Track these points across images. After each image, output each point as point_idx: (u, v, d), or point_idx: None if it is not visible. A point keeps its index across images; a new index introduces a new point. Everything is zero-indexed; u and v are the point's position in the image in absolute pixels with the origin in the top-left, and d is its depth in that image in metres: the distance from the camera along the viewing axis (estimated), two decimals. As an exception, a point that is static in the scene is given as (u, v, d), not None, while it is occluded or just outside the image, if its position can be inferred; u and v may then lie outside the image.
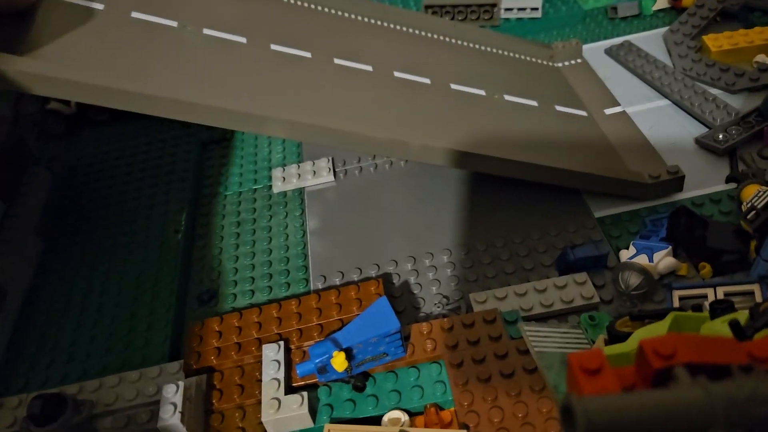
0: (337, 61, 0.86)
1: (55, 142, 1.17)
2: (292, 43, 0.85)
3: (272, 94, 0.75)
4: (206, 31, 0.81)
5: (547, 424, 0.61)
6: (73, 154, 1.12)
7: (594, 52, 1.12)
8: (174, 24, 0.80)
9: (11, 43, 0.69)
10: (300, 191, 0.98)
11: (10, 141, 0.94)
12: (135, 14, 0.79)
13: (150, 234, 0.94)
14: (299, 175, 1.00)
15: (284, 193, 0.98)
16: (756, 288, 0.66)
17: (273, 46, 0.83)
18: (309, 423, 0.67)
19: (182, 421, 0.64)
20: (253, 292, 0.85)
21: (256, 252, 0.90)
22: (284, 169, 1.01)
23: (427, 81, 0.89)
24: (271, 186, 1.00)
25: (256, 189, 1.00)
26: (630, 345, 0.58)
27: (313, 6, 0.98)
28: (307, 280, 0.85)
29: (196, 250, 0.92)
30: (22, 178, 0.97)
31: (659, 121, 0.96)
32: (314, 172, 0.99)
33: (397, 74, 0.88)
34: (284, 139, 1.08)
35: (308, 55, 0.85)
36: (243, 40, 0.82)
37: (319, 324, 0.75)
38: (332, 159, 1.01)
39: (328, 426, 0.65)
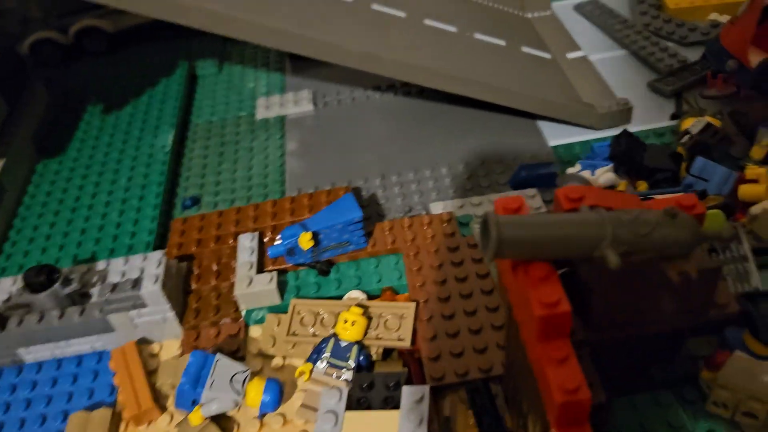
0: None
1: (51, 70, 1.23)
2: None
3: (257, 3, 0.83)
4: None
5: (488, 299, 0.69)
6: (69, 80, 1.18)
7: (563, 7, 1.20)
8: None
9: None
10: (281, 118, 1.05)
11: (12, 53, 1.00)
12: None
13: (141, 149, 1.01)
14: (281, 104, 1.07)
15: (266, 120, 1.05)
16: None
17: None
18: (277, 299, 0.74)
19: (163, 288, 0.71)
20: (233, 200, 0.92)
21: (237, 168, 0.97)
22: (268, 99, 1.08)
23: (402, 14, 0.96)
24: (254, 114, 1.07)
25: (240, 116, 1.08)
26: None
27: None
28: (283, 192, 0.92)
29: (182, 165, 0.99)
30: (21, 92, 1.03)
31: (618, 67, 1.04)
32: (295, 102, 1.07)
33: (374, 7, 0.95)
34: (269, 73, 1.16)
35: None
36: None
37: (291, 221, 0.82)
38: (313, 92, 1.08)
39: (294, 301, 0.73)
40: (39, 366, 0.76)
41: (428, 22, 0.97)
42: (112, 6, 0.78)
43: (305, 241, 0.72)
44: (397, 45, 0.89)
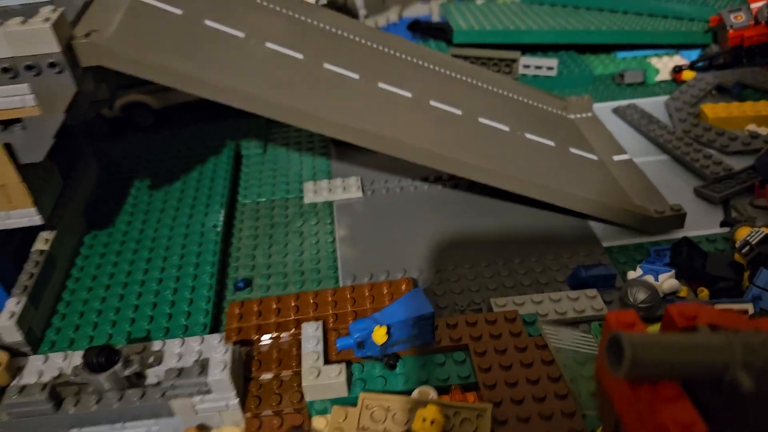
0: (381, 85, 0.95)
1: (98, 143, 1.24)
2: (343, 65, 0.95)
3: (327, 99, 0.84)
4: (268, 44, 0.91)
5: (563, 404, 0.68)
6: (116, 153, 1.19)
7: (602, 110, 1.24)
8: (241, 35, 0.90)
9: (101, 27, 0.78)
10: (330, 203, 1.06)
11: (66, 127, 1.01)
12: (208, 22, 0.89)
13: (191, 227, 1.00)
14: (330, 189, 1.08)
15: (315, 204, 1.06)
16: (749, 306, 0.75)
17: (326, 65, 0.93)
18: (344, 392, 0.73)
19: (231, 377, 0.70)
20: (286, 284, 0.91)
21: (288, 251, 0.97)
22: (315, 184, 1.09)
23: (458, 112, 0.99)
24: (302, 197, 1.08)
25: (288, 198, 1.08)
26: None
27: (360, 39, 1.09)
28: (337, 279, 0.92)
29: (232, 245, 0.99)
30: (75, 166, 1.04)
31: (661, 172, 1.07)
32: (344, 188, 1.08)
33: (432, 103, 0.98)
34: (314, 157, 1.17)
35: (356, 76, 0.94)
36: (300, 56, 0.92)
37: (353, 311, 0.81)
38: (360, 179, 1.10)
39: (363, 395, 0.71)
40: (90, 449, 0.73)
41: (483, 120, 1.00)
42: (172, 86, 0.79)
43: (380, 335, 0.71)
44: (454, 142, 0.91)
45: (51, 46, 0.73)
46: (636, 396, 0.47)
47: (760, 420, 0.48)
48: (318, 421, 0.73)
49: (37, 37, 0.70)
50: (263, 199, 1.09)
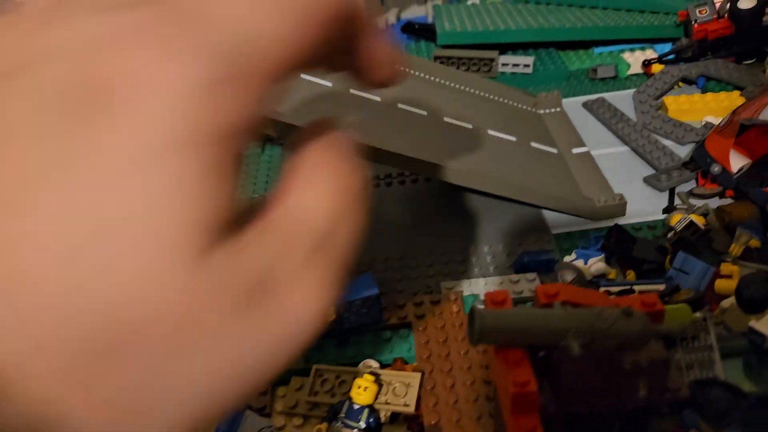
0: (351, 91, 1.06)
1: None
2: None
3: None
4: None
5: (485, 373, 0.78)
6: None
7: (574, 105, 1.32)
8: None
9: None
10: (313, 198, 1.17)
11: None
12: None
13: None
14: (314, 185, 1.19)
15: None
16: (662, 286, 0.83)
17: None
18: (301, 363, 0.84)
19: (202, 351, 0.82)
20: (266, 272, 1.03)
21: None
22: (302, 180, 1.21)
23: (424, 113, 1.09)
24: (289, 193, 1.19)
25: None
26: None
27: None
28: (311, 266, 1.03)
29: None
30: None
31: (619, 162, 1.14)
32: (326, 183, 1.19)
33: (399, 106, 1.08)
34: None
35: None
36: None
37: (316, 294, 0.93)
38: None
39: (315, 366, 0.83)
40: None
41: (447, 119, 1.09)
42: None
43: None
44: (416, 140, 1.01)
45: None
46: (497, 360, 0.57)
47: (594, 377, 0.57)
48: (280, 390, 0.85)
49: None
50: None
